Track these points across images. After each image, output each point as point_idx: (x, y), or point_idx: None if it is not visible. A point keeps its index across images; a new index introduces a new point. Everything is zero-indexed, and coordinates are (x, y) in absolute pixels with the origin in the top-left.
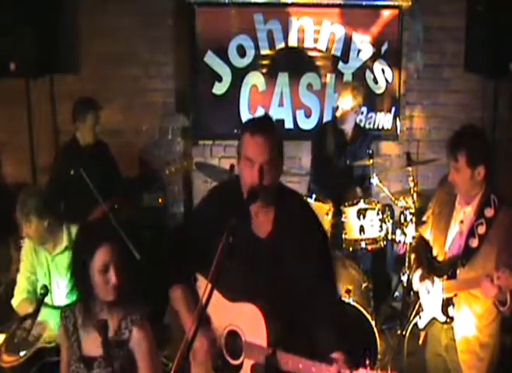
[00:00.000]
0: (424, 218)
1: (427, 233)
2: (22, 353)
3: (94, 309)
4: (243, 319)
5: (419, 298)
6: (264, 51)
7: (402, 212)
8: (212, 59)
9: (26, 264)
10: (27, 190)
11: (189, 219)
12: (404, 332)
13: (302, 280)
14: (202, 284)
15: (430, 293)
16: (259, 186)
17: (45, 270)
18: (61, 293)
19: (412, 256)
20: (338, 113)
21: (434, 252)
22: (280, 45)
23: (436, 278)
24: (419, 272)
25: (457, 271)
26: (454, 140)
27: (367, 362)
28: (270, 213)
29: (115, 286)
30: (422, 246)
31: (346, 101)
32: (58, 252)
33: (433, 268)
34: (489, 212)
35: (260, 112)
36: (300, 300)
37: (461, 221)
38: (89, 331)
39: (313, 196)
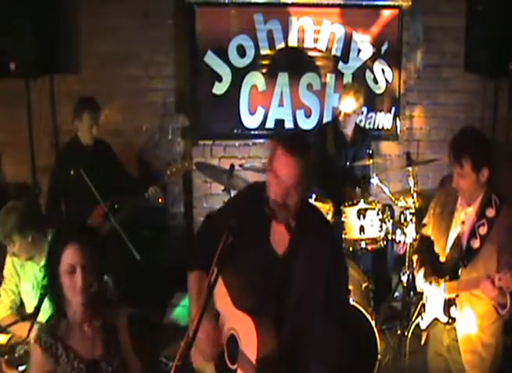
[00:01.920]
0: (425, 220)
1: (428, 234)
2: (21, 368)
3: (73, 316)
4: (241, 328)
5: (420, 298)
6: (264, 51)
7: (402, 212)
8: (212, 59)
9: (9, 283)
10: (5, 210)
11: (218, 212)
12: (405, 333)
13: (307, 305)
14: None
15: (432, 293)
16: (282, 205)
17: (33, 282)
18: None
19: (415, 257)
20: (340, 117)
21: (436, 251)
22: (280, 45)
23: (438, 277)
24: (421, 272)
25: (459, 272)
26: (456, 146)
27: None
28: (290, 230)
29: (81, 288)
30: (424, 246)
31: (348, 104)
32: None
33: (435, 268)
34: (490, 212)
35: (260, 112)
36: (304, 322)
37: (463, 222)
38: (81, 337)
39: (313, 196)
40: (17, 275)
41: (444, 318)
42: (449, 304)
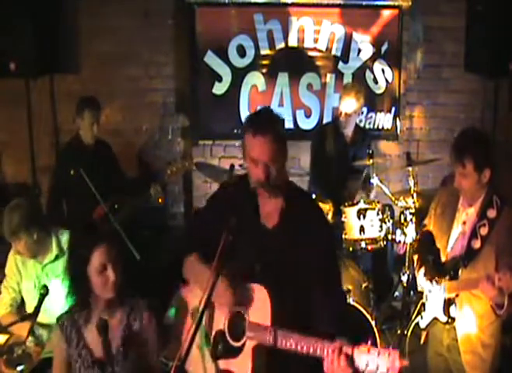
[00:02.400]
0: (426, 220)
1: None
2: (19, 369)
3: (96, 311)
4: (248, 300)
5: (420, 297)
6: (264, 51)
7: (402, 212)
8: (212, 59)
9: (11, 281)
10: (10, 208)
11: (201, 213)
12: (405, 332)
13: (305, 270)
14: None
15: (432, 293)
16: (266, 183)
17: (34, 281)
18: (51, 301)
19: (416, 256)
20: (341, 117)
21: (437, 251)
22: (280, 45)
23: (438, 277)
24: (422, 271)
25: (459, 272)
26: (459, 146)
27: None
28: (278, 206)
29: (114, 282)
30: (425, 246)
31: (349, 104)
32: (48, 262)
33: (435, 268)
34: (491, 213)
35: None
36: (304, 287)
37: (464, 223)
38: (97, 332)
39: (313, 196)
40: (19, 273)
41: (444, 318)
42: (448, 303)
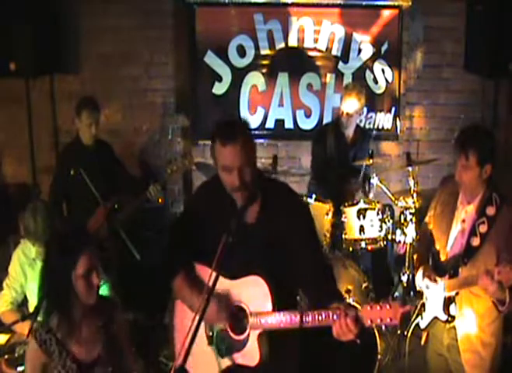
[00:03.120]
0: (426, 219)
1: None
2: (19, 369)
3: (77, 316)
4: (246, 292)
5: (420, 297)
6: (264, 51)
7: (402, 212)
8: (212, 59)
9: (14, 282)
10: (31, 211)
11: (182, 216)
12: (405, 333)
13: (291, 251)
14: (202, 272)
15: (432, 292)
16: (242, 188)
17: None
18: None
19: (415, 256)
20: (343, 118)
21: (437, 251)
22: (280, 45)
23: (438, 277)
24: (421, 270)
25: (459, 270)
26: (464, 139)
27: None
28: (256, 200)
29: (97, 287)
30: (424, 245)
31: (351, 104)
32: None
33: (435, 267)
34: (490, 211)
35: (260, 112)
36: (294, 268)
37: (463, 220)
38: (78, 339)
39: (313, 196)
40: (23, 275)
41: (444, 317)
42: (448, 302)
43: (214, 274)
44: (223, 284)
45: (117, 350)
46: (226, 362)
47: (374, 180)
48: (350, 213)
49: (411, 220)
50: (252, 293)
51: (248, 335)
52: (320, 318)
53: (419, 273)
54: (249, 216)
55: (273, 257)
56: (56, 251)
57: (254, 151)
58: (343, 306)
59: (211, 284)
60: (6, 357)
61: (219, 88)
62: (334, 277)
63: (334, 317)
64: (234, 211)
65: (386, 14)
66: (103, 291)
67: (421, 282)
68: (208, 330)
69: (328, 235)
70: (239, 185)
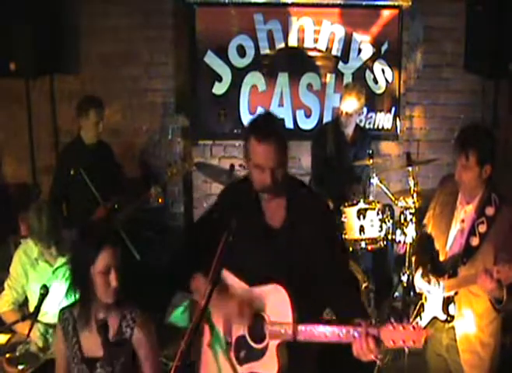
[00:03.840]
0: (425, 220)
1: (429, 232)
2: (20, 367)
3: (93, 311)
4: (266, 301)
5: (419, 298)
6: (264, 51)
7: (402, 212)
8: (212, 59)
9: (15, 283)
10: (35, 212)
11: (204, 217)
12: None
13: (317, 261)
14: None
15: (431, 292)
16: (273, 188)
17: (44, 283)
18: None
19: (414, 256)
20: (342, 117)
21: (436, 251)
22: (280, 45)
23: (437, 277)
24: (420, 271)
25: (458, 270)
26: (464, 138)
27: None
28: (282, 204)
29: (115, 288)
30: (423, 246)
31: (350, 104)
32: (60, 265)
33: (434, 267)
34: (489, 211)
35: (260, 112)
36: (318, 278)
37: (462, 220)
38: (90, 332)
39: None
40: (25, 275)
41: (443, 316)
42: (447, 302)
43: (214, 274)
44: (244, 291)
45: (124, 355)
46: (244, 370)
47: (374, 180)
48: (350, 213)
49: (411, 220)
50: (273, 301)
51: (267, 344)
52: (340, 333)
53: (418, 274)
54: (274, 220)
55: (296, 265)
56: (81, 242)
57: (286, 150)
58: (365, 324)
59: (210, 283)
60: (7, 355)
61: (219, 88)
62: (360, 291)
63: (355, 334)
64: (258, 214)
65: (386, 14)
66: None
67: (420, 282)
68: (227, 336)
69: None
70: (270, 184)
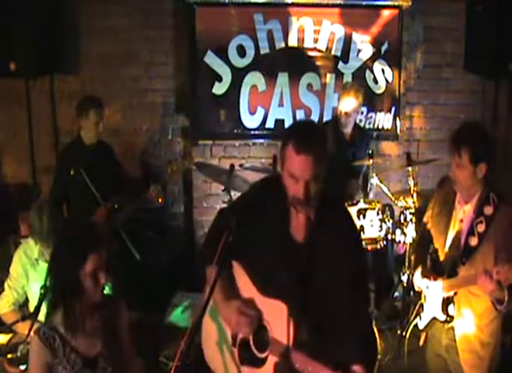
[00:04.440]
0: (424, 220)
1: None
2: (22, 368)
3: (81, 312)
4: (271, 315)
5: (419, 298)
6: (264, 51)
7: (402, 212)
8: (212, 59)
9: (16, 283)
10: (37, 211)
11: (232, 206)
12: (404, 333)
13: (335, 287)
14: (237, 270)
15: (431, 292)
16: (305, 201)
17: (43, 283)
18: None
19: (413, 256)
20: (341, 117)
21: (435, 251)
22: (280, 45)
23: (436, 277)
24: (419, 270)
25: (458, 270)
26: (457, 136)
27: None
28: (310, 218)
29: (103, 285)
30: (422, 246)
31: (349, 103)
32: None
33: (433, 267)
34: (488, 210)
35: (260, 112)
36: (331, 307)
37: (461, 220)
38: (82, 334)
39: None
40: (25, 275)
41: (442, 317)
42: (447, 302)
43: (214, 275)
44: (254, 297)
45: (118, 345)
46: (245, 371)
47: (374, 180)
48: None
49: (411, 220)
50: (275, 317)
51: (267, 357)
52: None
53: (417, 274)
54: (298, 234)
55: (310, 287)
56: (67, 246)
57: (325, 165)
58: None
59: (211, 282)
60: (9, 356)
61: (219, 88)
62: (371, 337)
63: None
64: (284, 222)
65: (386, 14)
66: (106, 290)
67: (419, 282)
68: (233, 335)
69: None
70: (302, 198)
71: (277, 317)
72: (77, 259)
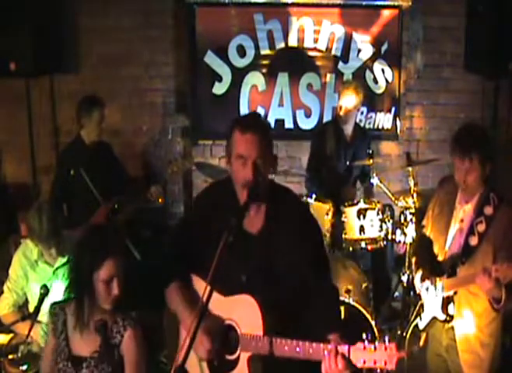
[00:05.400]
0: (424, 221)
1: (428, 233)
2: (23, 368)
3: (87, 312)
4: (238, 312)
5: (419, 298)
6: (264, 51)
7: (402, 212)
8: (212, 59)
9: (15, 284)
10: (36, 212)
11: (184, 221)
12: (404, 333)
13: (294, 272)
14: (197, 284)
15: (431, 292)
16: (254, 182)
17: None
18: None
19: (413, 258)
20: (341, 113)
21: (435, 252)
22: (280, 45)
23: (436, 277)
24: (420, 273)
25: (457, 269)
26: (465, 142)
27: (364, 336)
28: (261, 209)
29: (116, 296)
30: (423, 247)
31: (349, 100)
32: (60, 265)
33: (433, 268)
34: (488, 210)
35: (260, 112)
36: (294, 289)
37: (461, 220)
38: (81, 332)
39: (313, 196)
40: (25, 277)
41: (442, 316)
42: (447, 301)
43: (213, 275)
44: (216, 300)
45: (111, 360)
46: None
47: (374, 180)
48: (350, 213)
49: (411, 220)
50: (244, 313)
51: (239, 356)
52: (310, 349)
53: (418, 275)
54: (252, 226)
55: (272, 276)
56: (86, 246)
57: (271, 149)
58: (335, 342)
59: (207, 292)
60: (10, 357)
61: (219, 88)
62: (338, 302)
63: (325, 353)
64: (235, 214)
65: (386, 14)
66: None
67: (419, 284)
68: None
69: (328, 235)
70: (252, 178)
71: (244, 311)
72: (93, 262)
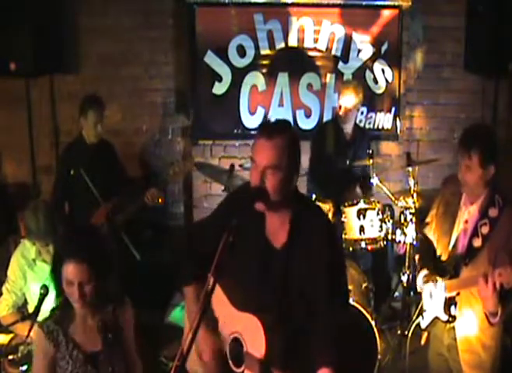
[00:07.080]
0: (428, 219)
1: (431, 234)
2: (23, 368)
3: (76, 311)
4: (246, 329)
5: (421, 298)
6: (264, 51)
7: (402, 212)
8: (212, 59)
9: (14, 285)
10: (32, 211)
11: (204, 222)
12: (404, 333)
13: (310, 296)
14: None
15: (433, 292)
16: (260, 188)
17: (44, 283)
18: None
19: (417, 257)
20: (341, 112)
21: (438, 252)
22: (280, 45)
23: (439, 278)
24: (423, 273)
25: (460, 270)
26: (467, 138)
27: None
28: (286, 221)
29: (78, 300)
30: (426, 247)
31: (349, 99)
32: None
33: (436, 268)
34: (492, 212)
35: (260, 112)
36: (305, 313)
37: (466, 221)
38: (84, 329)
39: (313, 196)
40: (23, 277)
41: (444, 317)
42: (449, 302)
43: (212, 278)
44: (229, 311)
45: (118, 345)
46: None
47: (374, 180)
48: (350, 213)
49: (411, 220)
50: (250, 332)
51: (243, 372)
52: None
53: (421, 275)
54: (275, 239)
55: (287, 294)
56: (58, 246)
57: (293, 156)
58: None
59: (210, 287)
60: (10, 357)
61: (219, 88)
62: (332, 331)
63: None
64: (259, 227)
65: (386, 14)
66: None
67: (422, 284)
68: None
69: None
70: (257, 185)
71: (251, 331)
72: (59, 265)
